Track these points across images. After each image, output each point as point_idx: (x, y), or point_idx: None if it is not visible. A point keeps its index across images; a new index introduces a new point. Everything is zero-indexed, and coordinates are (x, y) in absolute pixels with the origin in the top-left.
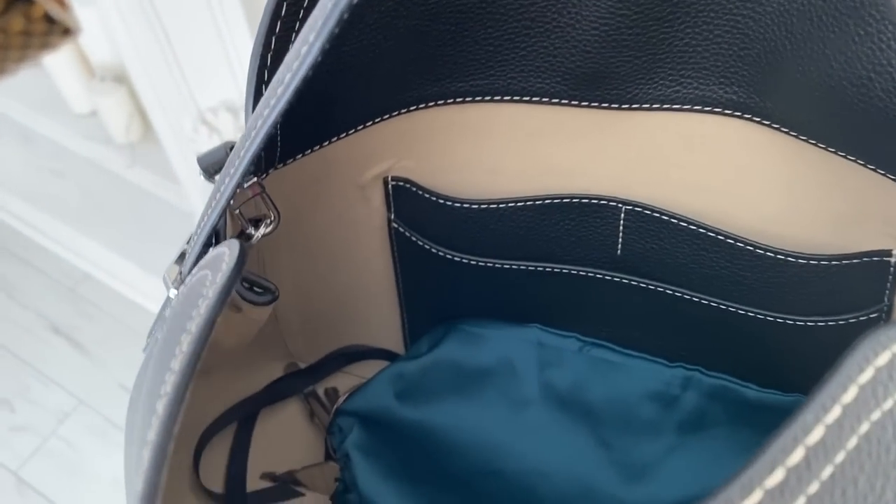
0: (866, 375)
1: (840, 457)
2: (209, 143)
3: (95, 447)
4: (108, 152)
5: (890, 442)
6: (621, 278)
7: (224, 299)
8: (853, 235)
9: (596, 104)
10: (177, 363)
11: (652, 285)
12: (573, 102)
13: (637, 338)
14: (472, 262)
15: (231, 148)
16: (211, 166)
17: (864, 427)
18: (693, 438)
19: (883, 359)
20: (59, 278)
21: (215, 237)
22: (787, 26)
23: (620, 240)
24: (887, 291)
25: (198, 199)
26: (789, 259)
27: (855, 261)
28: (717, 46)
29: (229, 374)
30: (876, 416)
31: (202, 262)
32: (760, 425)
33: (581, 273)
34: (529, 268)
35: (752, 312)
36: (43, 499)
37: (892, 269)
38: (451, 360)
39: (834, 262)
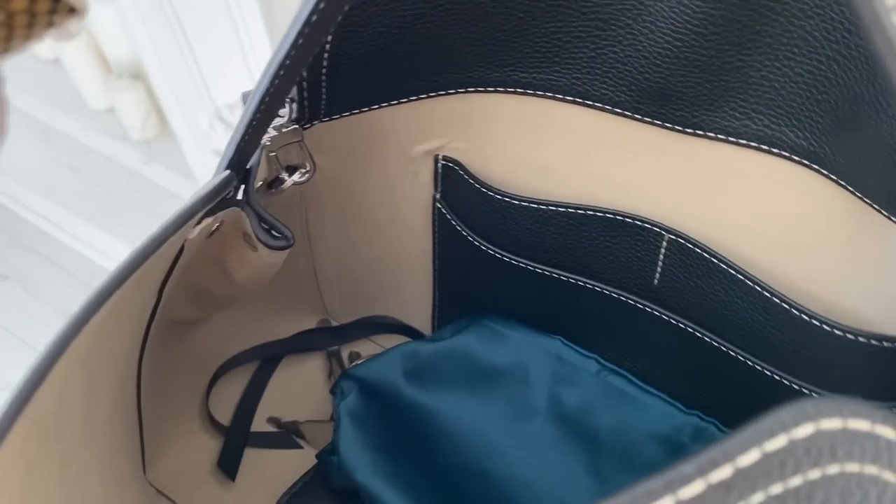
0: (776, 443)
1: None
2: (225, 139)
3: None
4: (125, 148)
5: None
6: (653, 309)
7: (183, 221)
8: None
9: (659, 122)
10: (117, 267)
11: (683, 323)
12: (636, 116)
13: (659, 375)
14: (506, 259)
15: None
16: None
17: (757, 498)
18: None
19: (803, 431)
20: (76, 272)
21: (246, 174)
22: (869, 75)
23: (659, 269)
24: None
25: None
26: (824, 326)
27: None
28: (795, 85)
29: (259, 314)
30: (776, 489)
31: None
32: None
33: (614, 295)
34: (562, 277)
35: (777, 375)
36: None
37: None
38: (466, 352)
39: (874, 342)
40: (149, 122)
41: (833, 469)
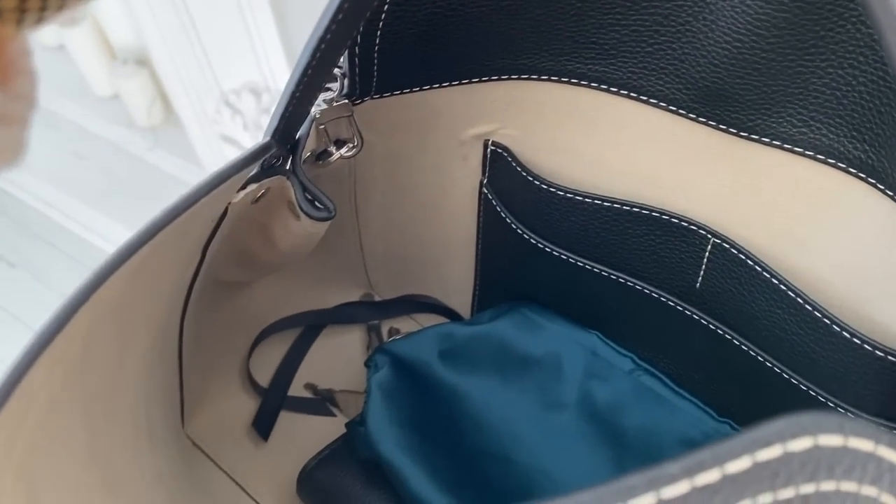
0: (769, 453)
1: None
2: (231, 125)
3: None
4: (131, 135)
5: None
6: (693, 313)
7: (215, 185)
8: None
9: (713, 124)
10: (146, 224)
11: (721, 329)
12: (690, 115)
13: (694, 379)
14: (548, 250)
15: None
16: None
17: None
18: None
19: (799, 444)
20: (83, 259)
21: (294, 144)
22: None
23: (702, 272)
24: None
25: None
26: (865, 346)
27: None
28: (857, 95)
29: (305, 283)
30: (765, 499)
31: None
32: None
33: (654, 295)
34: (603, 273)
35: (813, 391)
36: None
37: None
38: (502, 338)
39: None
40: (154, 109)
41: (828, 486)
